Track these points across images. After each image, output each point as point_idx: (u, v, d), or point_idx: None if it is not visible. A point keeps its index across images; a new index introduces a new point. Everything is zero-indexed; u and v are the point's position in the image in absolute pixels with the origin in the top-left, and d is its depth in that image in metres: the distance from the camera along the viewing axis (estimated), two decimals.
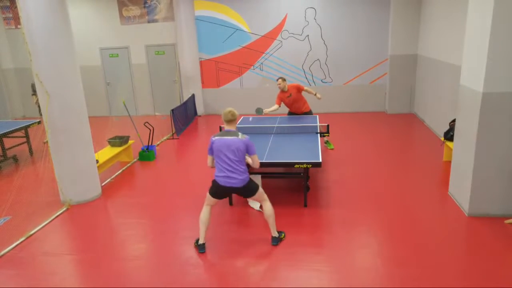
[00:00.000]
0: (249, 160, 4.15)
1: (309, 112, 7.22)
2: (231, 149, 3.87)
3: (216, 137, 3.96)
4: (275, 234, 4.19)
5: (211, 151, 4.01)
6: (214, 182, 4.02)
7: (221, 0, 10.03)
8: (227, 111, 4.01)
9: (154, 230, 4.66)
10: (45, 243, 4.47)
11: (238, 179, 3.90)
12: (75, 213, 5.21)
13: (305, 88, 7.05)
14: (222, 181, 3.94)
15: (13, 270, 3.98)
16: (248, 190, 4.02)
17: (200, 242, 4.12)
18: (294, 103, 7.08)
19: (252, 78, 10.55)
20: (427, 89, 8.66)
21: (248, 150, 3.96)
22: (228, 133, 3.96)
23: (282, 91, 6.96)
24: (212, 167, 4.10)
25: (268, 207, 4.14)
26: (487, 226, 4.33)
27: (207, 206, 4.12)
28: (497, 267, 3.63)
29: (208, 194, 4.08)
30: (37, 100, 8.25)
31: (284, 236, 4.30)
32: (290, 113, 7.32)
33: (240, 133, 3.95)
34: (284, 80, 6.92)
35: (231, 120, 4.00)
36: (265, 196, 4.19)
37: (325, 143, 7.42)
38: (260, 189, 4.13)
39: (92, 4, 10.62)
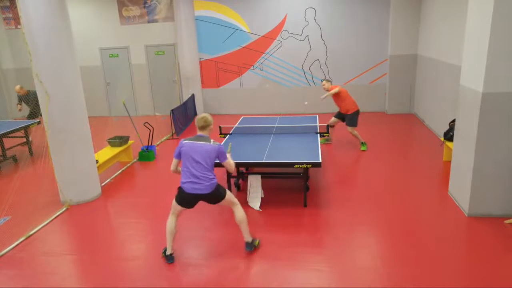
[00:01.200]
0: (226, 166, 3.93)
1: (356, 113, 7.03)
2: (200, 155, 3.69)
3: (187, 141, 3.77)
4: (249, 240, 4.03)
5: (178, 154, 3.80)
6: (179, 189, 3.81)
7: (221, 0, 10.03)
8: (200, 117, 3.85)
9: (154, 230, 4.66)
10: (45, 243, 4.47)
11: (205, 185, 3.70)
12: (75, 213, 5.22)
13: (332, 91, 6.83)
14: (188, 188, 3.71)
15: (13, 270, 3.98)
16: (216, 196, 3.81)
17: (168, 252, 3.95)
18: (340, 103, 7.09)
19: (252, 78, 10.55)
20: (427, 89, 8.66)
21: (219, 158, 3.79)
22: (200, 138, 3.79)
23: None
24: (175, 172, 3.91)
25: (239, 212, 3.96)
26: (487, 226, 4.33)
27: (172, 216, 3.93)
28: (497, 267, 3.63)
29: (174, 202, 3.87)
30: (20, 108, 8.38)
31: (258, 244, 4.14)
32: (339, 113, 7.30)
33: (212, 140, 3.79)
34: (328, 81, 7.02)
35: (203, 126, 3.83)
36: (235, 200, 3.99)
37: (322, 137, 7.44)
38: (228, 193, 3.93)
39: (92, 4, 10.62)
